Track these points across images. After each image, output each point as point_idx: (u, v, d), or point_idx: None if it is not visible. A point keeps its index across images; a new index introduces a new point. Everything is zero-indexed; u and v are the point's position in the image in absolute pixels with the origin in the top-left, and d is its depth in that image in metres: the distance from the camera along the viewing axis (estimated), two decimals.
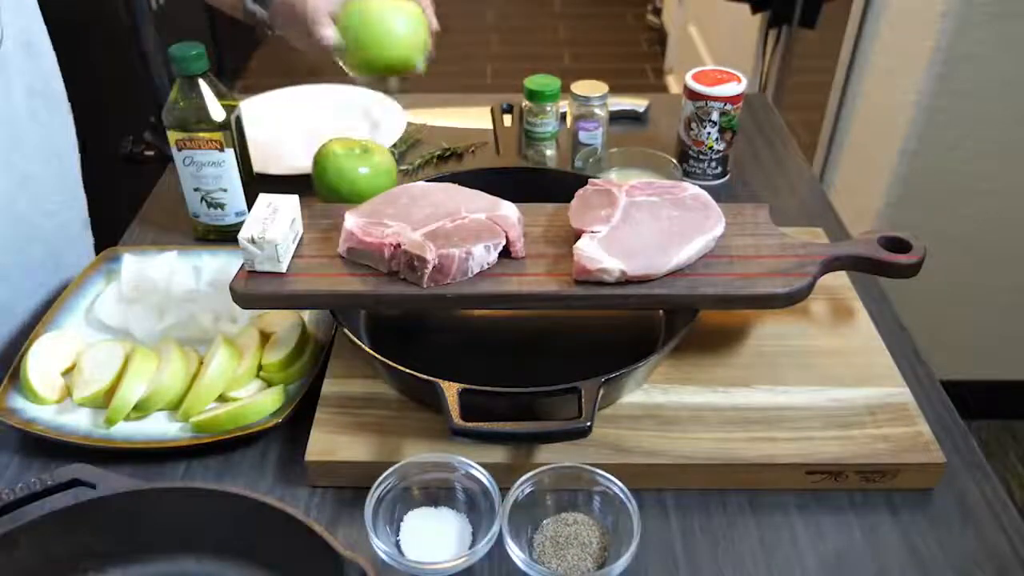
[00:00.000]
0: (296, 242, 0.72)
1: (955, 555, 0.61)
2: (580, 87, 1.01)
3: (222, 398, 0.71)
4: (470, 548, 0.59)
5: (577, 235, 0.70)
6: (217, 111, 0.84)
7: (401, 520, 0.62)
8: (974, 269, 1.60)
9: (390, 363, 0.65)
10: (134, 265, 0.83)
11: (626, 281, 0.67)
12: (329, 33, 0.86)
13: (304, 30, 0.87)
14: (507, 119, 1.16)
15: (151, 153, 1.57)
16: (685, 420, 0.68)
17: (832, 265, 0.72)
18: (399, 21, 0.86)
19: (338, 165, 0.90)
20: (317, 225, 0.74)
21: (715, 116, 0.97)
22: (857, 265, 0.73)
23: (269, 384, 0.72)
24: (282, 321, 0.75)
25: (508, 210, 0.71)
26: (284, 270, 0.69)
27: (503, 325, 0.77)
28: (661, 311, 0.77)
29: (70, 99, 0.90)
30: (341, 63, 0.89)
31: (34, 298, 0.85)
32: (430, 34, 0.90)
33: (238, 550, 0.57)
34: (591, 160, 0.98)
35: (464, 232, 0.68)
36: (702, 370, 0.72)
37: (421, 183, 0.78)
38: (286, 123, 1.15)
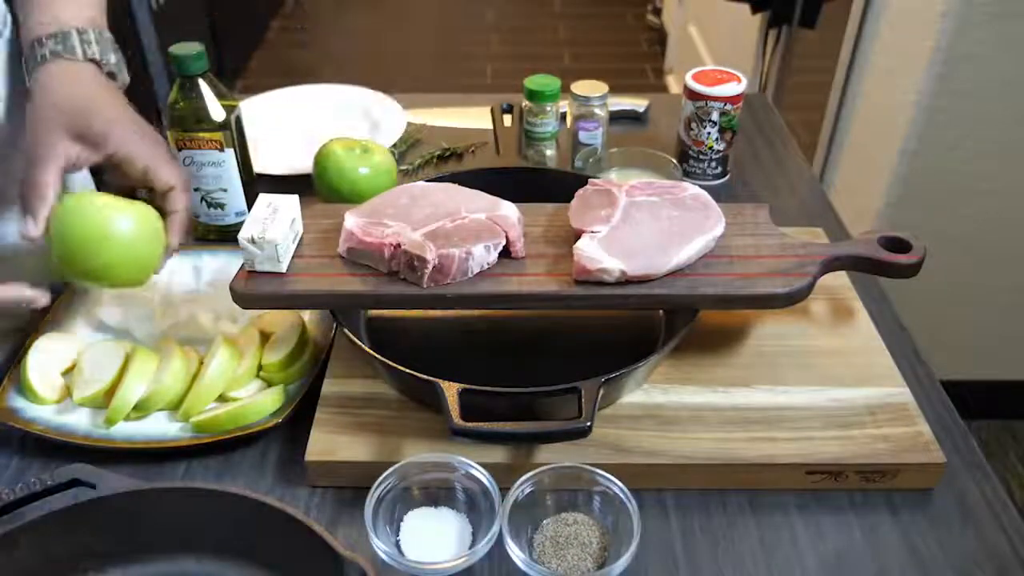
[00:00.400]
0: (296, 242, 0.72)
1: (955, 555, 0.61)
2: (580, 87, 1.01)
3: (222, 398, 0.71)
4: (470, 548, 0.59)
5: (577, 235, 0.70)
6: (217, 111, 0.84)
7: (401, 520, 0.62)
8: (974, 269, 1.60)
9: (390, 363, 0.65)
10: None
11: (626, 281, 0.67)
12: (46, 196, 0.66)
13: (29, 157, 0.68)
14: (507, 119, 1.16)
15: None
16: (685, 420, 0.68)
17: (832, 265, 0.72)
18: (121, 228, 0.68)
19: (338, 165, 0.90)
20: (317, 225, 0.74)
21: (715, 116, 0.97)
22: (857, 265, 0.73)
23: (269, 384, 0.72)
24: (282, 321, 0.75)
25: (508, 210, 0.71)
26: (284, 270, 0.69)
27: (503, 325, 0.77)
28: (661, 311, 0.77)
29: None
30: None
31: None
32: (163, 250, 0.72)
33: (238, 550, 0.57)
34: (591, 160, 0.98)
35: (464, 232, 0.68)
36: (702, 370, 0.72)
37: (421, 183, 0.78)
38: (286, 123, 1.15)
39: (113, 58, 0.73)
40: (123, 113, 0.71)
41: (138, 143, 0.70)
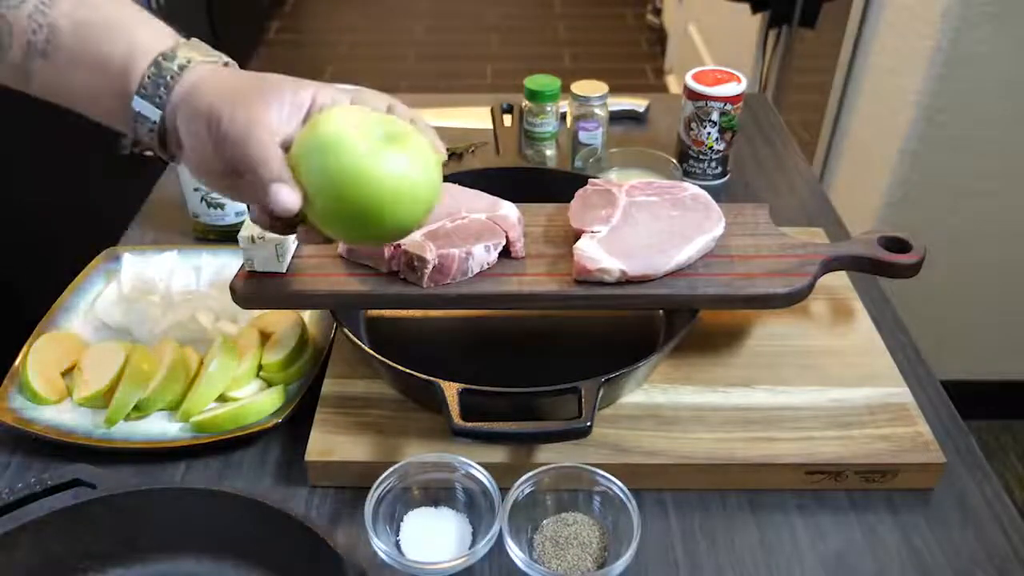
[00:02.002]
0: (296, 242, 0.72)
1: (955, 555, 0.61)
2: (580, 87, 1.01)
3: (222, 398, 0.71)
4: (470, 548, 0.59)
5: (577, 235, 0.70)
6: None
7: (401, 520, 0.62)
8: (974, 269, 1.60)
9: (390, 363, 0.65)
10: (134, 265, 0.83)
11: (626, 281, 0.67)
12: (287, 195, 0.54)
13: (237, 154, 0.54)
14: (507, 119, 1.16)
15: (151, 153, 1.57)
16: (685, 420, 0.68)
17: (832, 265, 0.72)
18: (404, 167, 0.54)
19: None
20: None
21: (715, 116, 0.97)
22: (857, 265, 0.73)
23: (269, 384, 0.72)
24: (282, 321, 0.75)
25: (508, 210, 0.71)
26: (284, 270, 0.69)
27: (503, 325, 0.77)
28: (661, 311, 0.77)
29: None
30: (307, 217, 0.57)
31: None
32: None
33: (238, 550, 0.57)
34: (591, 160, 0.98)
35: (464, 232, 0.68)
36: (702, 370, 0.72)
37: None
38: None
39: (221, 58, 0.61)
40: (266, 78, 0.59)
41: (326, 87, 0.58)
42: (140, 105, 0.56)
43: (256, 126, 0.54)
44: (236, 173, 0.55)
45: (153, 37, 0.58)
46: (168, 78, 0.56)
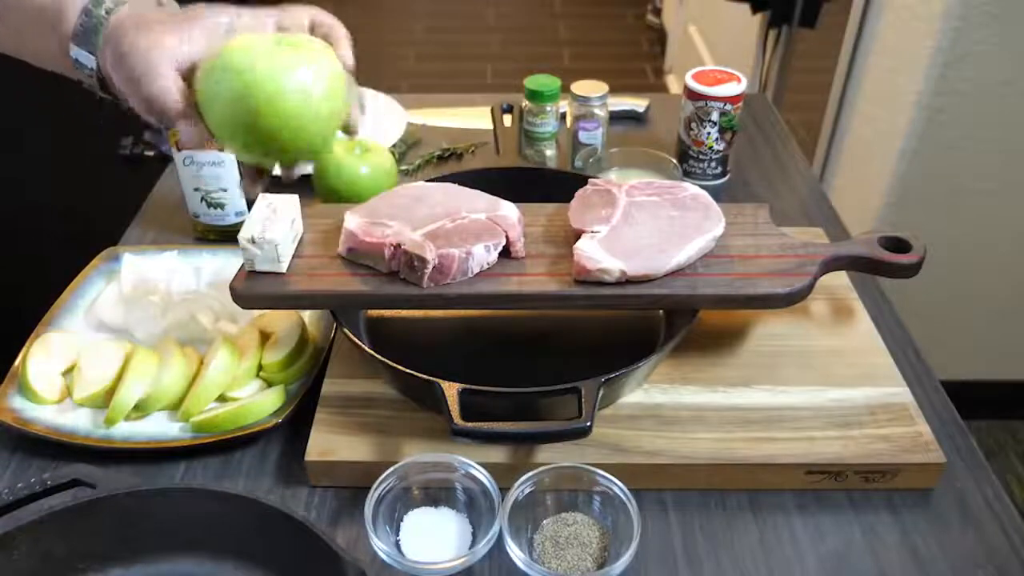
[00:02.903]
0: (296, 242, 0.72)
1: (955, 555, 0.61)
2: (580, 87, 1.01)
3: (222, 398, 0.71)
4: (470, 548, 0.59)
5: (577, 235, 0.70)
6: None
7: (401, 520, 0.62)
8: (974, 269, 1.60)
9: (390, 363, 0.65)
10: (134, 265, 0.83)
11: (626, 281, 0.66)
12: (172, 96, 0.56)
13: (140, 92, 0.57)
14: (507, 119, 1.15)
15: (151, 153, 1.57)
16: (685, 420, 0.68)
17: (832, 265, 0.72)
18: (304, 82, 0.55)
19: (338, 165, 0.90)
20: (317, 225, 0.74)
21: (715, 116, 0.97)
22: (857, 265, 0.73)
23: (269, 384, 0.72)
24: (282, 321, 0.75)
25: (508, 210, 0.71)
26: (284, 270, 0.69)
27: (503, 325, 0.77)
28: (661, 311, 0.77)
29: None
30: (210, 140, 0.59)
31: None
32: (351, 90, 0.61)
33: (238, 550, 0.57)
34: (591, 160, 0.98)
35: (464, 232, 0.68)
36: (702, 370, 0.72)
37: (421, 183, 0.78)
38: None
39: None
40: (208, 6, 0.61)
41: (247, 12, 0.61)
42: (76, 52, 0.59)
43: (154, 51, 0.56)
44: (143, 96, 0.57)
45: None
46: (96, 24, 0.58)
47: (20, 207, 1.34)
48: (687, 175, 1.02)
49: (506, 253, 0.70)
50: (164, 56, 0.56)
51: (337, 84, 0.57)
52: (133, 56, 0.56)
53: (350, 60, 0.62)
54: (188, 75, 0.57)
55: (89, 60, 0.59)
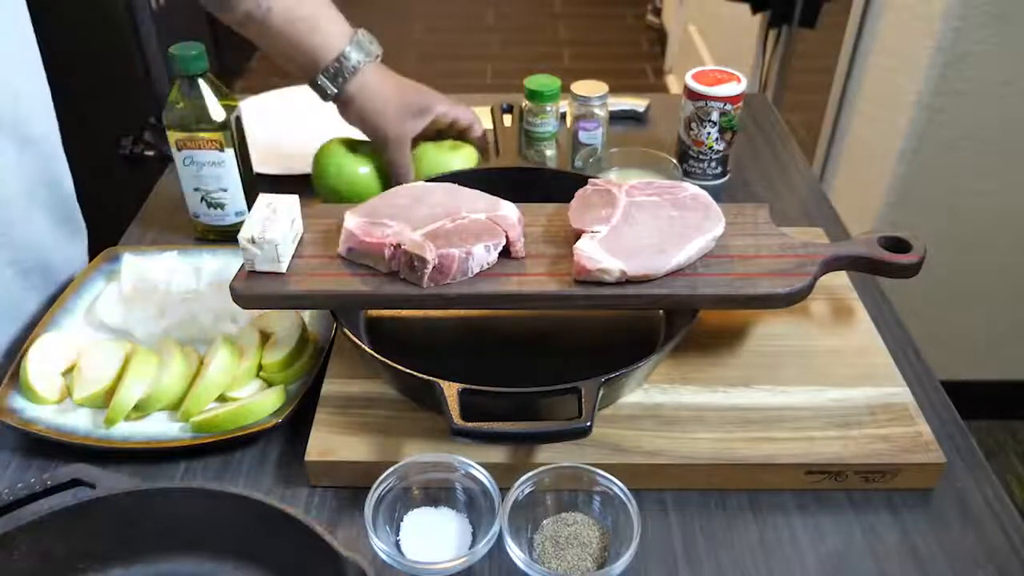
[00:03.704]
0: (296, 242, 0.72)
1: (955, 555, 0.61)
2: (580, 87, 1.01)
3: (222, 398, 0.71)
4: (470, 548, 0.59)
5: (577, 235, 0.70)
6: (217, 111, 0.84)
7: (401, 520, 0.62)
8: (974, 269, 1.60)
9: (390, 363, 0.65)
10: (134, 265, 0.82)
11: (626, 281, 0.67)
12: (405, 168, 0.90)
13: (382, 149, 0.90)
14: (507, 119, 1.15)
15: (151, 153, 1.57)
16: (685, 420, 0.68)
17: (832, 265, 0.72)
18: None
19: (338, 165, 0.90)
20: (317, 225, 0.74)
21: (715, 116, 0.97)
22: (857, 265, 0.73)
23: (269, 384, 0.72)
24: (282, 321, 0.75)
25: (508, 210, 0.71)
26: (284, 270, 0.69)
27: (503, 325, 0.77)
28: (661, 311, 0.77)
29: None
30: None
31: None
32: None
33: (238, 550, 0.57)
34: (591, 160, 0.98)
35: (464, 232, 0.68)
36: (702, 370, 0.72)
37: (421, 183, 0.78)
38: (286, 123, 1.15)
39: (377, 47, 0.89)
40: (416, 85, 0.92)
41: (441, 101, 0.92)
42: (322, 81, 0.86)
43: (399, 142, 0.89)
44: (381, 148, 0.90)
45: (337, 35, 0.85)
46: (345, 74, 0.85)
47: None
48: (687, 175, 1.02)
49: (506, 253, 0.70)
50: (404, 145, 0.89)
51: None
52: (379, 125, 0.88)
53: (479, 131, 0.96)
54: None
55: (331, 91, 0.86)
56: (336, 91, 0.86)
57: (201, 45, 0.83)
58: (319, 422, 0.67)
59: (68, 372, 0.73)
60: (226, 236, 0.90)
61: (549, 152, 1.04)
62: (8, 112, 0.76)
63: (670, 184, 0.76)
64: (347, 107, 0.88)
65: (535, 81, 1.01)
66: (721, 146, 1.00)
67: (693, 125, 0.99)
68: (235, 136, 0.86)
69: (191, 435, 0.68)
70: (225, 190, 0.89)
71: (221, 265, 0.84)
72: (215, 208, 0.90)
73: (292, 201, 0.71)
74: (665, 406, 0.69)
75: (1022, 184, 1.50)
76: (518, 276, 0.68)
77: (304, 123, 1.14)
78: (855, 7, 1.56)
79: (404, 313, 0.78)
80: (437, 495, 0.63)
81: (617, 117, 1.17)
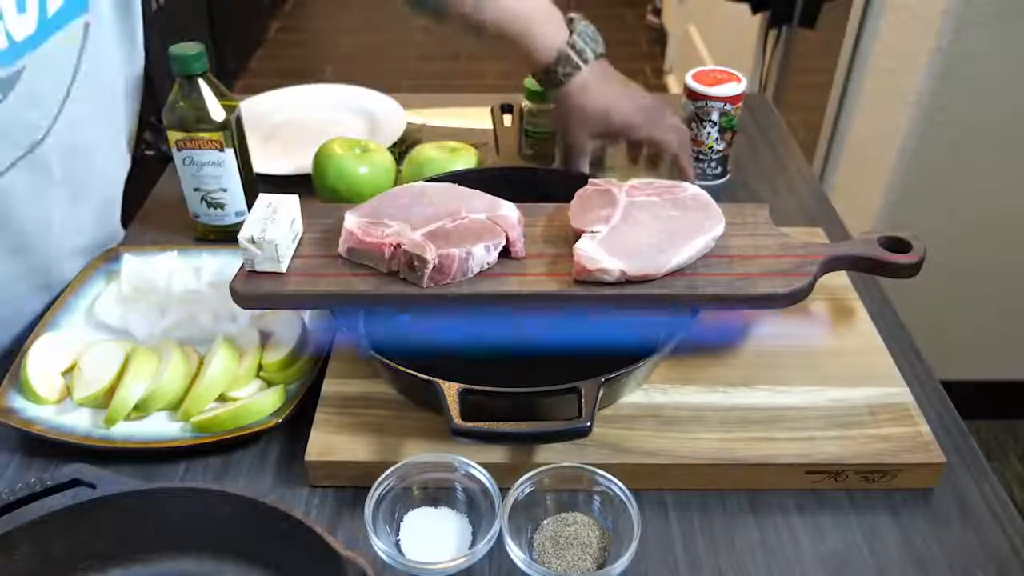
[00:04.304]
0: (296, 242, 0.72)
1: (955, 555, 0.61)
2: None
3: (222, 398, 0.71)
4: (470, 548, 0.59)
5: (577, 235, 0.70)
6: (217, 111, 0.84)
7: (401, 520, 0.62)
8: (974, 269, 1.60)
9: (390, 363, 0.65)
10: (134, 265, 0.82)
11: (626, 281, 0.67)
12: (582, 158, 0.90)
13: (563, 133, 0.90)
14: (507, 119, 1.16)
15: (151, 153, 1.57)
16: (685, 420, 0.68)
17: (832, 265, 0.72)
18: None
19: (338, 165, 0.90)
20: (317, 225, 0.74)
21: (715, 116, 0.97)
22: (857, 265, 0.73)
23: (269, 384, 0.72)
24: (282, 321, 0.75)
25: (508, 210, 0.71)
26: (284, 270, 0.69)
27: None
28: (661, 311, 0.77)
29: None
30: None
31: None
32: None
33: (238, 550, 0.57)
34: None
35: (464, 232, 0.68)
36: (702, 370, 0.72)
37: (421, 183, 0.78)
38: (286, 123, 1.15)
39: (600, 45, 0.88)
40: (628, 102, 0.88)
41: (640, 126, 0.89)
42: (529, 83, 0.94)
43: (583, 148, 0.90)
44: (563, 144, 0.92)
45: (553, 34, 0.86)
46: (558, 79, 0.86)
47: None
48: None
49: (506, 253, 0.70)
50: (583, 154, 0.90)
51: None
52: (569, 132, 0.89)
53: (691, 175, 0.92)
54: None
55: (539, 86, 0.91)
56: (556, 85, 0.86)
57: (201, 45, 0.83)
58: (319, 422, 0.67)
59: (68, 372, 0.73)
60: (226, 236, 0.90)
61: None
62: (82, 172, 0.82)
63: (670, 184, 0.76)
64: (568, 101, 0.87)
65: (535, 81, 1.01)
66: (721, 146, 1.00)
67: (693, 125, 0.99)
68: (235, 136, 0.86)
69: (191, 435, 0.68)
70: (225, 190, 0.89)
71: (221, 265, 0.84)
72: (215, 208, 0.90)
73: (292, 201, 0.71)
74: (665, 406, 0.69)
75: (1022, 184, 1.50)
76: (518, 276, 0.68)
77: (304, 123, 1.14)
78: (855, 7, 1.56)
79: (404, 313, 0.78)
80: (437, 495, 0.63)
81: None
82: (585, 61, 0.85)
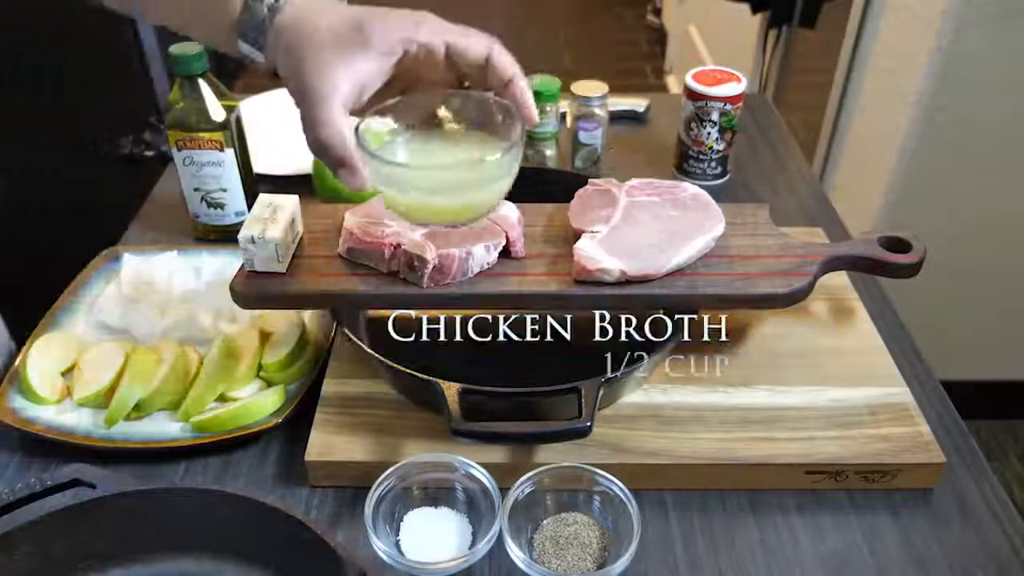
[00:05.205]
0: (296, 242, 0.72)
1: (955, 555, 0.61)
2: (580, 87, 1.01)
3: (222, 398, 0.71)
4: (470, 548, 0.59)
5: (577, 235, 0.70)
6: (217, 111, 0.84)
7: (401, 520, 0.62)
8: (974, 269, 1.59)
9: (390, 363, 0.65)
10: (134, 265, 0.83)
11: (626, 281, 0.67)
12: (337, 149, 0.55)
13: (306, 127, 0.56)
14: None
15: (151, 153, 1.57)
16: (685, 420, 0.68)
17: (832, 265, 0.72)
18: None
19: None
20: (317, 225, 0.74)
21: (715, 116, 0.97)
22: (857, 265, 0.73)
23: (269, 384, 0.72)
24: (282, 321, 0.75)
25: (508, 210, 0.71)
26: (284, 270, 0.69)
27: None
28: (661, 311, 0.77)
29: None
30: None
31: None
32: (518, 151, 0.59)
33: (238, 550, 0.57)
34: (591, 160, 0.98)
35: (464, 232, 0.68)
36: (702, 370, 0.72)
37: None
38: (286, 123, 1.14)
39: None
40: (377, 13, 0.56)
41: (423, 27, 0.57)
42: (245, 48, 0.57)
43: (322, 84, 0.54)
44: (307, 125, 0.56)
45: None
46: (262, 20, 0.55)
47: (20, 207, 1.35)
48: (687, 175, 1.02)
49: (506, 253, 0.70)
50: (333, 96, 0.54)
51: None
52: (302, 78, 0.54)
53: (535, 117, 0.61)
54: (356, 104, 0.56)
55: (258, 56, 0.56)
56: (261, 50, 0.56)
57: (201, 45, 0.83)
58: (319, 422, 0.67)
59: (68, 372, 0.73)
60: (226, 236, 0.90)
61: (549, 152, 1.04)
62: None
63: (670, 184, 0.76)
64: (283, 74, 0.57)
65: (535, 81, 1.01)
66: (721, 146, 1.00)
67: (693, 125, 0.99)
68: (235, 136, 0.86)
69: (191, 435, 0.68)
70: (225, 190, 0.89)
71: (221, 265, 0.84)
72: (215, 208, 0.90)
73: (292, 201, 0.71)
74: (665, 406, 0.69)
75: (1022, 184, 1.50)
76: (518, 276, 0.68)
77: None
78: (855, 7, 1.56)
79: (404, 313, 0.78)
80: (437, 495, 0.63)
81: (617, 117, 1.17)
82: None
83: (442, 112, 0.62)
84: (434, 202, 0.59)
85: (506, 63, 0.59)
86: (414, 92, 0.60)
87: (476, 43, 0.58)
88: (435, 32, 0.57)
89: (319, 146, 0.55)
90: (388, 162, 0.57)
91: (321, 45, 0.54)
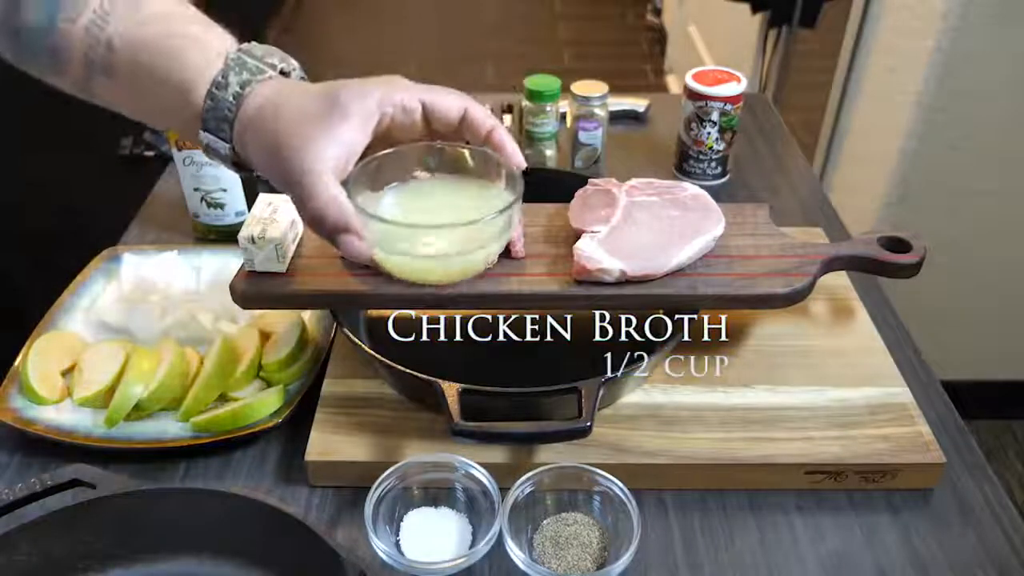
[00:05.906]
0: (296, 242, 0.71)
1: (955, 555, 0.61)
2: (580, 87, 1.01)
3: (222, 398, 0.71)
4: (470, 548, 0.59)
5: (577, 235, 0.70)
6: None
7: (401, 520, 0.62)
8: (974, 269, 1.60)
9: (390, 363, 0.65)
10: (134, 265, 0.83)
11: (626, 281, 0.66)
12: (353, 247, 0.57)
13: (299, 206, 0.55)
14: (507, 119, 1.16)
15: (151, 153, 1.57)
16: (685, 420, 0.68)
17: (832, 265, 0.72)
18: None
19: None
20: None
21: (715, 116, 0.97)
22: (857, 265, 0.73)
23: (269, 384, 0.72)
24: (282, 321, 0.75)
25: None
26: (284, 270, 0.69)
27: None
28: (661, 311, 0.77)
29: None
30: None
31: None
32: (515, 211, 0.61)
33: (238, 550, 0.57)
34: (591, 160, 0.98)
35: None
36: (702, 370, 0.72)
37: None
38: None
39: (289, 63, 0.59)
40: (346, 85, 0.57)
41: (397, 89, 0.58)
42: (207, 138, 0.56)
43: (307, 159, 0.53)
44: (299, 204, 0.56)
45: (203, 60, 0.55)
46: (226, 111, 0.54)
47: (20, 207, 1.35)
48: (687, 175, 1.02)
49: (506, 253, 0.70)
50: (321, 168, 0.53)
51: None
52: (285, 161, 0.53)
53: (521, 162, 0.61)
54: (341, 176, 0.56)
55: (223, 147, 0.55)
56: (227, 140, 0.56)
57: None
58: (319, 422, 0.67)
59: (68, 372, 0.73)
60: (226, 236, 0.90)
61: (549, 152, 1.04)
62: None
63: (670, 184, 0.76)
64: (249, 156, 0.56)
65: (535, 81, 1.01)
66: (721, 146, 1.00)
67: (693, 125, 0.99)
68: None
69: (191, 435, 0.68)
70: (225, 190, 0.89)
71: (221, 265, 0.84)
72: (215, 208, 0.90)
73: None
74: (665, 406, 0.69)
75: (1022, 184, 1.50)
76: (518, 276, 0.68)
77: None
78: (855, 7, 1.56)
79: (404, 313, 0.78)
80: (437, 495, 0.63)
81: (617, 117, 1.17)
82: (272, 67, 0.57)
83: (424, 167, 0.64)
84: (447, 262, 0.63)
85: (482, 116, 0.59)
86: (398, 148, 0.61)
87: (451, 100, 0.59)
88: (410, 92, 0.58)
89: (318, 217, 0.54)
90: (406, 225, 0.60)
91: (299, 123, 0.54)
